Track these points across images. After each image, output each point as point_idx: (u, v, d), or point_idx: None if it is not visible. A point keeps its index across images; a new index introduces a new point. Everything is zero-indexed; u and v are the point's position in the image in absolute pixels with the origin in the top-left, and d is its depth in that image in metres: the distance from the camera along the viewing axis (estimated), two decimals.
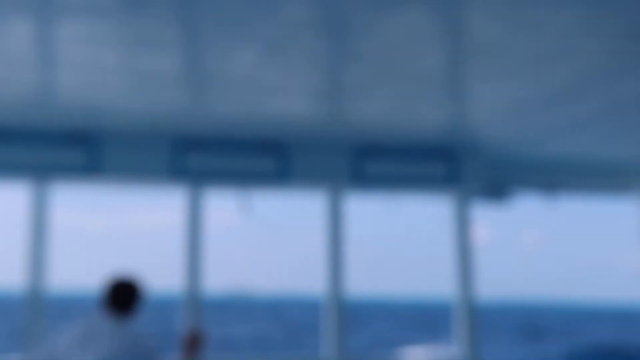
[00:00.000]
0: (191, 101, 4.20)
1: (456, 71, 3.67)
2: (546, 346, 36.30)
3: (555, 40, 3.19)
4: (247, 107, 4.25)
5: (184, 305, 4.79)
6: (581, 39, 3.20)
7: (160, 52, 3.37)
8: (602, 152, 5.42)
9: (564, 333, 45.63)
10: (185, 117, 4.49)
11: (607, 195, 5.83)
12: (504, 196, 5.45)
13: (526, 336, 42.59)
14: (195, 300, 4.81)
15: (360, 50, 3.33)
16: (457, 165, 5.16)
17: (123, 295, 4.26)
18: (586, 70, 3.60)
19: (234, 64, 3.53)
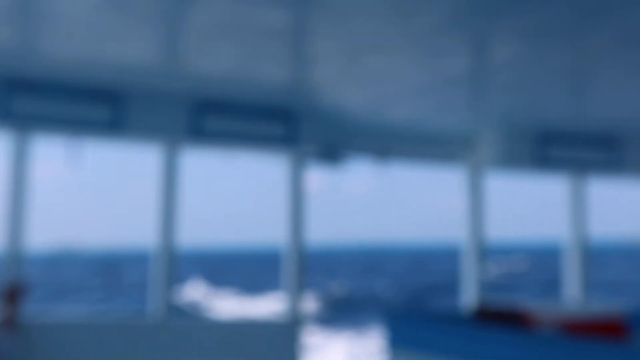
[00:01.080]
0: (21, 40, 3.92)
1: (298, 29, 3.67)
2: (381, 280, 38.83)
3: (389, 10, 3.27)
4: (82, 52, 4.04)
5: (5, 260, 4.57)
6: (410, 16, 3.32)
7: None
8: (430, 122, 5.71)
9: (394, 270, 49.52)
10: (14, 57, 4.20)
11: (434, 163, 6.18)
12: (338, 159, 5.62)
13: (365, 273, 45.70)
14: (16, 255, 4.59)
15: (204, 2, 3.26)
16: (294, 126, 5.23)
17: None
18: (415, 46, 3.75)
19: (71, 5, 3.33)
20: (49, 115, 4.58)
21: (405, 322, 3.83)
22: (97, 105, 4.68)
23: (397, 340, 3.86)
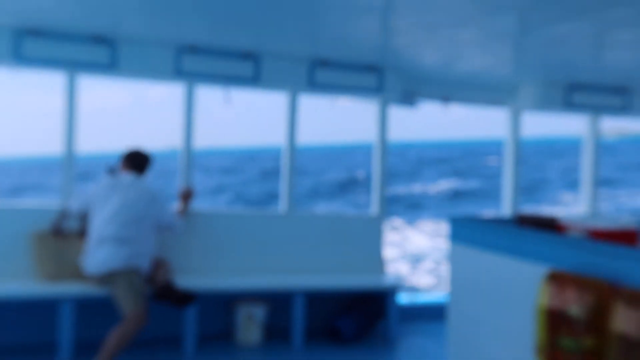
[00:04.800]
0: None
1: (388, 5, 4.56)
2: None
3: None
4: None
5: (182, 172, 6.34)
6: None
7: None
8: (483, 74, 7.07)
9: None
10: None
11: (485, 106, 7.64)
12: (413, 102, 7.15)
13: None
14: (188, 166, 6.34)
15: None
16: (382, 78, 6.70)
17: (138, 159, 5.64)
18: (475, 25, 4.95)
19: None
20: (209, 72, 6.20)
21: (464, 223, 4.54)
22: (244, 64, 6.25)
23: (457, 237, 4.57)
